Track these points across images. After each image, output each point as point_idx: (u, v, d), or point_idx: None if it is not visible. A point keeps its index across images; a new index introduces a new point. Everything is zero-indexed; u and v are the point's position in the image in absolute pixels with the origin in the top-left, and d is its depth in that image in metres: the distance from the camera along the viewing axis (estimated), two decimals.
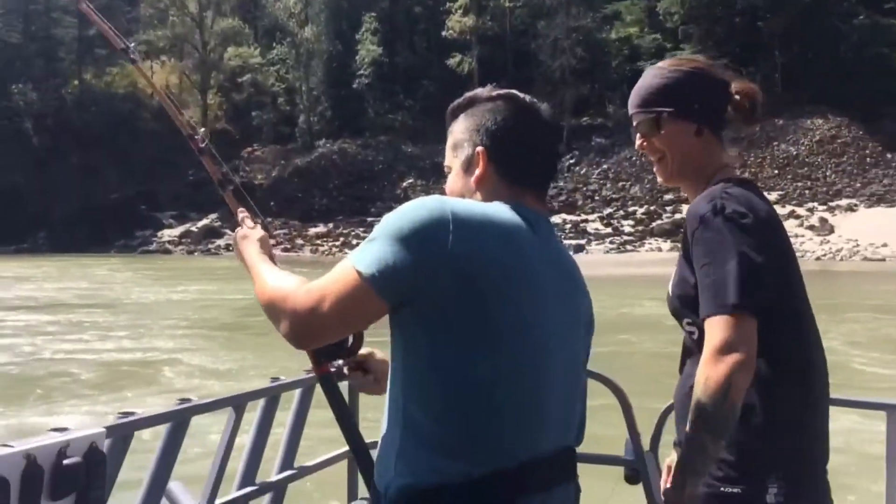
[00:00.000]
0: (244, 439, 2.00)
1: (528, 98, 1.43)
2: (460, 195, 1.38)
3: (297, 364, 2.12)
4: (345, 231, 44.42)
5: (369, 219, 42.05)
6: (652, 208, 39.64)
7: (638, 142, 1.77)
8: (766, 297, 1.49)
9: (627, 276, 25.53)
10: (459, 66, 51.55)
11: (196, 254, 44.65)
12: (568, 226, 39.04)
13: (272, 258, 1.61)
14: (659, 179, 1.79)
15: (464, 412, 1.18)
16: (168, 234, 49.09)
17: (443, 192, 1.41)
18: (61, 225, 50.54)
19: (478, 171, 1.36)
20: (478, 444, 1.18)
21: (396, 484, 1.20)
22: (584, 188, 43.60)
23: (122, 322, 16.15)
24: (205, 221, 49.32)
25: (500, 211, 1.29)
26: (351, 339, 1.57)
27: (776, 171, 40.42)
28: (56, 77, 58.08)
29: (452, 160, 1.43)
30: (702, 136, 1.71)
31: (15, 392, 9.63)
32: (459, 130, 1.42)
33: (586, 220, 40.09)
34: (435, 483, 1.16)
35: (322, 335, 1.34)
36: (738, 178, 1.69)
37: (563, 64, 47.78)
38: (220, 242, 45.39)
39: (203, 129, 2.08)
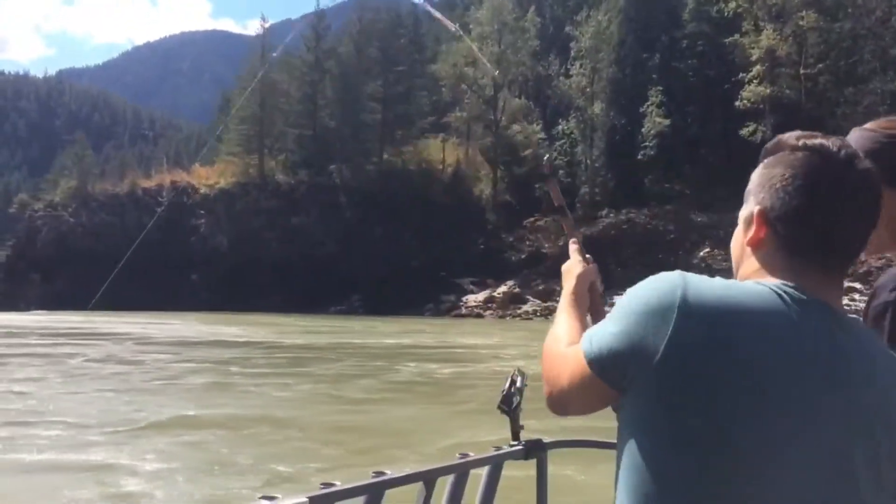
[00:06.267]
0: None
1: (845, 152, 1.14)
2: (738, 254, 1.24)
3: None
4: None
5: None
6: None
7: None
8: None
9: None
10: (752, 136, 51.40)
11: (507, 318, 47.16)
12: None
13: (594, 294, 1.56)
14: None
15: None
16: (472, 299, 52.39)
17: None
18: (372, 289, 55.69)
19: (751, 234, 1.19)
20: None
21: None
22: None
23: None
24: (503, 288, 52.30)
25: (748, 294, 1.09)
26: None
27: None
28: (361, 156, 65.00)
29: (741, 212, 1.24)
30: None
31: None
32: (752, 180, 1.22)
33: None
34: None
35: (565, 409, 1.25)
36: None
37: None
38: (527, 308, 47.87)
39: (547, 156, 2.16)
